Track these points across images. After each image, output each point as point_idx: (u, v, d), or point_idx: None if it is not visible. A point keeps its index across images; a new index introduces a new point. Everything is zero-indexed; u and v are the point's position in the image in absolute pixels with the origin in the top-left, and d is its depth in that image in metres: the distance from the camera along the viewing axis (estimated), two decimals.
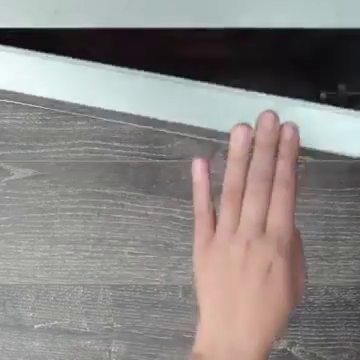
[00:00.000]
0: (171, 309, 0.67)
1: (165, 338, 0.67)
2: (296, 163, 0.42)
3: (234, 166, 0.42)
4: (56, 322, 0.67)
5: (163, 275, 0.67)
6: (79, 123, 0.66)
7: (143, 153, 0.66)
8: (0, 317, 0.67)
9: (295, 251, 0.43)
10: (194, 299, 0.66)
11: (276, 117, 0.41)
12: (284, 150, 0.41)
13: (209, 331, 0.43)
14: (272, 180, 0.42)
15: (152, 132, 0.66)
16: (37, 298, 0.67)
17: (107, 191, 0.66)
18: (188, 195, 0.66)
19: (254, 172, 0.41)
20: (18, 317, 0.67)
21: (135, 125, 0.66)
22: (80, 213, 0.66)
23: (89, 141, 0.66)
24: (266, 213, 0.42)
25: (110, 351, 0.67)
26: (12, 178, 0.66)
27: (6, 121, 0.66)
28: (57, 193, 0.66)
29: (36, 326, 0.67)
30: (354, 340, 0.67)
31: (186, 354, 0.66)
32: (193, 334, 0.66)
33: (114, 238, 0.66)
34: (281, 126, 0.41)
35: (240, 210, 0.42)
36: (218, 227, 0.43)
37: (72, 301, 0.67)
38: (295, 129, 0.41)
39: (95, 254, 0.66)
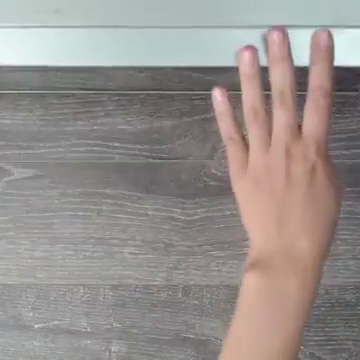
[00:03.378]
0: (171, 309, 0.67)
1: (165, 338, 0.67)
2: (331, 71, 0.42)
3: (247, 84, 0.43)
4: (56, 322, 0.67)
5: (163, 275, 0.67)
6: (79, 123, 0.66)
7: (143, 153, 0.66)
8: (0, 317, 0.67)
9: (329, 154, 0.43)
10: (194, 299, 0.66)
11: (285, 31, 0.41)
12: (317, 58, 0.41)
13: (262, 242, 0.43)
14: (296, 90, 0.42)
15: (152, 132, 0.66)
16: (37, 298, 0.67)
17: (107, 191, 0.66)
18: (188, 195, 0.67)
19: (276, 85, 0.42)
20: (18, 317, 0.67)
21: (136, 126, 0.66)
22: (80, 213, 0.66)
23: (89, 141, 0.66)
24: (297, 119, 0.42)
25: (110, 351, 0.67)
26: (12, 178, 0.66)
27: (6, 121, 0.66)
28: (57, 193, 0.66)
29: (36, 326, 0.67)
30: (353, 340, 0.67)
31: (185, 353, 0.66)
32: (193, 333, 0.66)
33: (114, 238, 0.67)
34: (314, 32, 0.41)
35: (268, 123, 0.43)
36: (251, 145, 0.44)
37: (72, 301, 0.67)
38: (329, 35, 0.41)
39: (95, 254, 0.67)
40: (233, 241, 0.67)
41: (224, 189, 0.66)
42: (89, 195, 0.66)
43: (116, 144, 0.66)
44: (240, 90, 0.44)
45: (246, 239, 0.67)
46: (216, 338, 0.67)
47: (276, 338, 0.41)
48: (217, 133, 0.66)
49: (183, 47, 0.51)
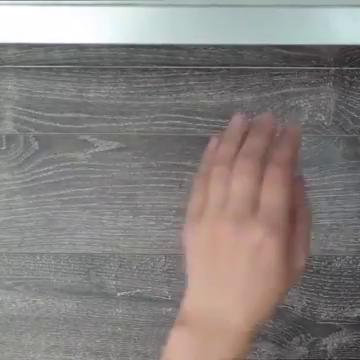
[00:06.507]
0: None
1: None
2: (294, 151, 0.43)
3: (225, 143, 0.44)
4: (139, 290, 0.69)
5: None
6: (162, 97, 0.68)
7: (224, 127, 0.68)
8: (84, 285, 0.69)
9: (295, 228, 0.43)
10: None
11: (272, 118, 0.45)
12: (283, 138, 0.44)
13: (195, 300, 0.43)
14: (264, 162, 0.42)
15: (233, 106, 0.68)
16: (120, 267, 0.69)
17: (189, 163, 0.68)
18: None
19: (245, 149, 0.43)
20: (102, 285, 0.69)
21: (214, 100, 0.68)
22: (162, 185, 0.68)
23: (172, 115, 0.68)
24: (257, 192, 0.41)
25: None
26: (97, 150, 0.68)
27: (91, 95, 0.68)
28: (140, 165, 0.68)
29: (119, 294, 0.69)
30: None
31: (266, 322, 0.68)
32: None
33: None
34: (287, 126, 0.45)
35: (230, 186, 0.42)
36: (208, 201, 0.43)
37: (154, 270, 0.69)
38: (298, 133, 0.44)
39: (177, 224, 0.69)
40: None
41: (305, 163, 0.69)
42: (171, 167, 0.68)
43: (198, 118, 0.68)
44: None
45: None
46: (293, 307, 0.69)
47: None
48: (297, 108, 0.69)
49: (265, 25, 0.53)
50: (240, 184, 0.42)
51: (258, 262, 0.41)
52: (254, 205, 0.41)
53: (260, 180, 0.41)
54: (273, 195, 0.41)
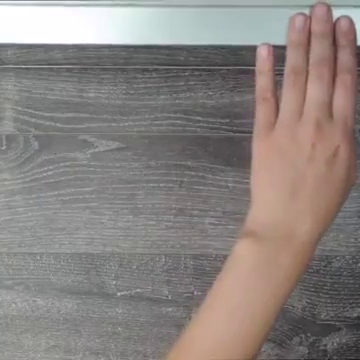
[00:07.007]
0: None
1: None
2: (355, 52, 0.44)
3: (294, 50, 0.44)
4: (138, 290, 0.69)
5: None
6: (162, 97, 0.68)
7: (224, 127, 0.68)
8: (84, 285, 0.69)
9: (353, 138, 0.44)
10: None
11: (329, 8, 0.43)
12: (342, 41, 0.43)
13: (267, 209, 0.43)
14: (333, 69, 0.43)
15: (233, 106, 0.68)
16: (120, 266, 0.69)
17: (189, 163, 0.68)
18: None
19: (314, 57, 0.43)
20: (102, 285, 0.69)
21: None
22: (162, 184, 0.68)
23: (172, 115, 0.68)
24: (331, 97, 0.43)
25: (191, 318, 0.69)
26: (97, 150, 0.68)
27: (91, 95, 0.68)
28: (140, 165, 0.68)
29: (119, 294, 0.69)
30: None
31: None
32: None
33: (195, 209, 0.69)
34: (337, 19, 0.44)
35: (304, 94, 0.43)
36: (283, 109, 0.44)
37: (154, 270, 0.69)
38: (350, 21, 0.44)
39: (177, 224, 0.69)
40: None
41: None
42: (171, 167, 0.68)
43: (198, 118, 0.68)
44: None
45: None
46: (293, 307, 0.69)
47: (259, 302, 0.42)
48: None
49: (265, 25, 0.53)
50: (316, 91, 0.43)
51: (335, 165, 0.42)
52: (329, 111, 0.43)
53: (332, 85, 0.43)
54: (346, 101, 0.43)
